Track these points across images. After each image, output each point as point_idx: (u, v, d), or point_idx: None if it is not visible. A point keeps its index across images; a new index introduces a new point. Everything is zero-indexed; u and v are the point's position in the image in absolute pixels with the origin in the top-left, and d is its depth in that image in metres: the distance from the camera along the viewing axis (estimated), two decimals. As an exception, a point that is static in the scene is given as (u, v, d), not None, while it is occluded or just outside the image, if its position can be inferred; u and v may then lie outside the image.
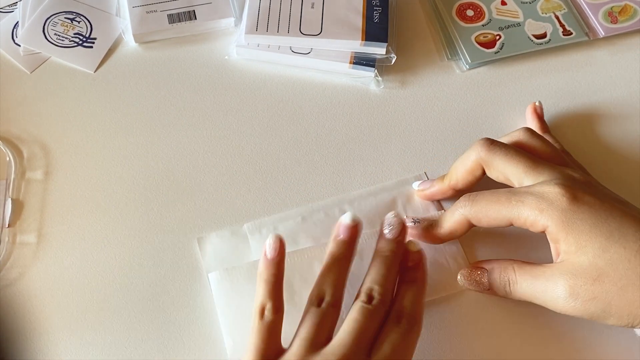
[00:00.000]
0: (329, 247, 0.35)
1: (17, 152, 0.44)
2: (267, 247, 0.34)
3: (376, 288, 0.33)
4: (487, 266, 0.36)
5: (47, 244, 0.41)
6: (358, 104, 0.47)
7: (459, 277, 0.38)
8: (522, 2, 0.52)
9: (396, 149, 0.45)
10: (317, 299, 0.33)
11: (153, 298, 0.39)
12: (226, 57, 0.49)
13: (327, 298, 0.33)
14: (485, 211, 0.34)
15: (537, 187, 0.33)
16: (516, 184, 0.35)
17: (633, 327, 0.32)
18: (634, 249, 0.30)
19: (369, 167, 0.44)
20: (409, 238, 0.37)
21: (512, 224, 0.34)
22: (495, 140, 0.36)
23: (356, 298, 0.33)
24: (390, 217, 0.36)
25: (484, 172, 0.37)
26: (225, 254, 0.40)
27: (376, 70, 0.47)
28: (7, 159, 0.43)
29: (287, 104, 0.47)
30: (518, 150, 0.36)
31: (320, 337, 0.31)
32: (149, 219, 0.42)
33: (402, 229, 0.36)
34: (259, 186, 0.43)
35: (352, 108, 0.47)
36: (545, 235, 0.33)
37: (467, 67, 0.49)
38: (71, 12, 0.51)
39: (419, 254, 0.36)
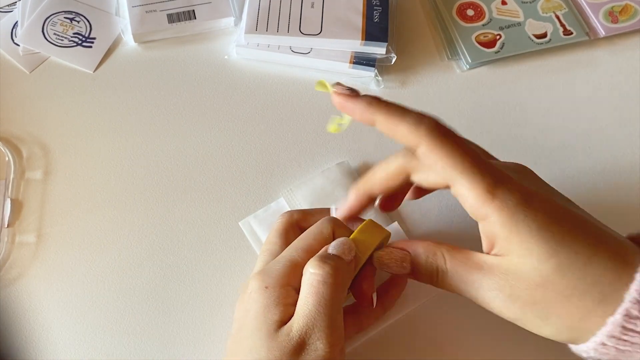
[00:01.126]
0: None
1: (17, 152, 0.44)
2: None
3: None
4: (410, 248, 0.31)
5: (46, 244, 0.41)
6: (358, 104, 0.47)
7: (375, 259, 0.32)
8: (522, 2, 0.52)
9: (397, 148, 0.45)
10: None
11: (153, 298, 0.39)
12: (226, 57, 0.49)
13: None
14: (438, 155, 0.30)
15: (497, 168, 0.29)
16: (451, 180, 0.30)
17: (569, 342, 0.29)
18: (585, 256, 0.27)
19: (369, 167, 0.44)
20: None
21: (442, 187, 0.30)
22: (442, 126, 0.32)
23: None
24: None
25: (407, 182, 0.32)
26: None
27: (376, 70, 0.47)
28: (7, 159, 0.43)
29: (287, 103, 0.47)
30: (463, 145, 0.30)
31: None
32: (149, 219, 0.42)
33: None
34: (259, 186, 0.43)
35: (352, 108, 0.47)
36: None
37: (468, 66, 0.49)
38: (70, 12, 0.51)
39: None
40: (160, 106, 0.47)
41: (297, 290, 0.31)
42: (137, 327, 0.38)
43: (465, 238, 0.41)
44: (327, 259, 0.30)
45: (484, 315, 0.38)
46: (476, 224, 0.30)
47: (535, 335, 0.37)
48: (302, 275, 0.31)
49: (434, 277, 0.31)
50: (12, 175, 0.43)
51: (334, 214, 0.35)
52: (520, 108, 0.47)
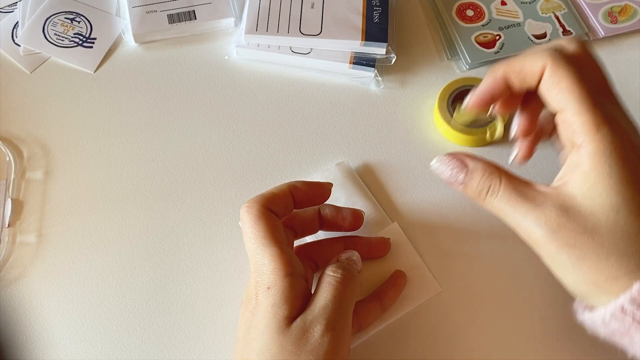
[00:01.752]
0: None
1: (17, 152, 0.44)
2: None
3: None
4: (471, 163, 0.31)
5: (47, 244, 0.41)
6: (358, 104, 0.47)
7: (434, 161, 0.32)
8: (522, 2, 0.52)
9: (396, 148, 0.45)
10: None
11: (153, 298, 0.39)
12: (226, 57, 0.49)
13: None
14: (562, 76, 0.29)
15: (609, 107, 0.29)
16: (567, 116, 0.29)
17: (584, 299, 0.29)
18: (638, 224, 0.27)
19: (368, 168, 0.44)
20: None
21: (558, 113, 0.30)
22: (562, 53, 0.30)
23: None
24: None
25: (536, 86, 0.31)
26: None
27: (376, 70, 0.47)
28: (7, 159, 0.43)
29: (287, 104, 0.47)
30: (589, 81, 0.30)
31: None
32: (149, 219, 0.42)
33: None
34: (259, 186, 0.43)
35: (352, 108, 0.47)
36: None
37: (467, 67, 0.49)
38: (71, 12, 0.51)
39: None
40: (160, 106, 0.47)
41: (300, 276, 0.31)
42: (137, 327, 0.38)
43: (468, 237, 0.41)
44: (342, 265, 0.33)
45: (484, 315, 0.38)
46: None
47: (536, 334, 0.37)
48: (298, 260, 0.32)
49: (482, 194, 0.30)
50: (12, 175, 0.43)
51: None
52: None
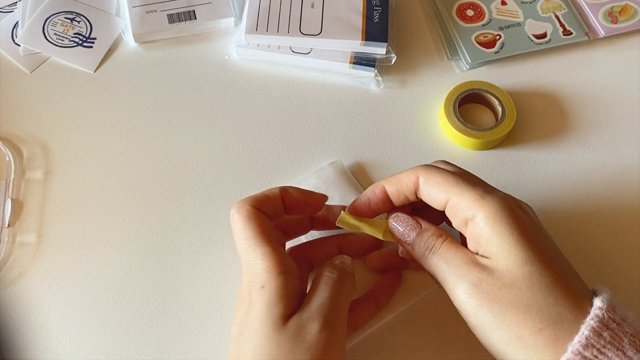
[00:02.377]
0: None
1: (17, 152, 0.44)
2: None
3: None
4: (424, 224, 0.34)
5: (47, 244, 0.41)
6: (358, 104, 0.47)
7: (391, 218, 0.35)
8: (522, 2, 0.52)
9: (396, 148, 0.45)
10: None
11: (153, 298, 0.39)
12: (226, 57, 0.49)
13: None
14: (439, 177, 0.32)
15: (482, 194, 0.31)
16: (454, 201, 0.32)
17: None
18: (554, 276, 0.29)
19: (368, 167, 0.44)
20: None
21: (445, 206, 0.32)
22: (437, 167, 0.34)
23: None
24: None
25: (414, 194, 0.34)
26: None
27: (376, 70, 0.47)
28: (7, 159, 0.43)
29: (287, 104, 0.47)
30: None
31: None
32: (149, 219, 0.42)
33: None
34: (259, 186, 0.43)
35: (352, 108, 0.47)
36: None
37: (467, 67, 0.49)
38: (71, 12, 0.51)
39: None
40: (160, 106, 0.47)
41: (294, 275, 0.31)
42: (137, 327, 0.38)
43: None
44: (338, 266, 0.33)
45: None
46: None
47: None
48: (291, 259, 0.32)
49: (426, 253, 0.33)
50: (12, 176, 0.43)
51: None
52: (519, 108, 0.47)
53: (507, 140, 0.45)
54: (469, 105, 0.47)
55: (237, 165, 0.44)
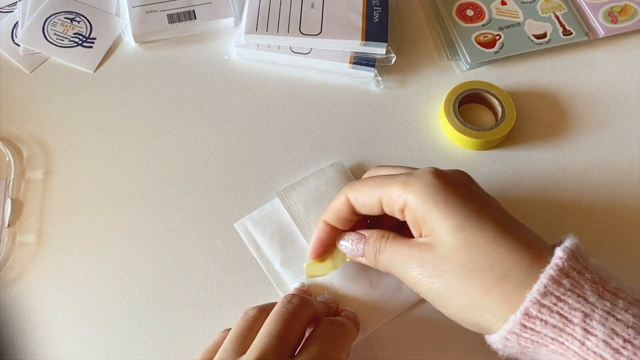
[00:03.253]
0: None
1: (17, 152, 0.44)
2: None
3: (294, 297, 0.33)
4: (367, 232, 0.35)
5: (47, 244, 0.41)
6: (358, 104, 0.47)
7: (340, 241, 0.36)
8: (522, 2, 0.52)
9: (396, 148, 0.45)
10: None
11: (153, 298, 0.39)
12: (226, 57, 0.49)
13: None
14: (363, 186, 0.34)
15: (410, 170, 0.33)
16: (385, 198, 0.33)
17: (478, 330, 0.30)
18: (490, 235, 0.29)
19: (369, 167, 0.44)
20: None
21: (382, 207, 0.33)
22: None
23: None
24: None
25: (352, 212, 0.35)
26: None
27: (376, 70, 0.47)
28: (7, 159, 0.43)
29: (286, 104, 0.47)
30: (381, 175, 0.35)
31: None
32: (149, 219, 0.42)
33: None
34: (259, 186, 0.43)
35: (352, 108, 0.47)
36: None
37: (467, 67, 0.49)
38: (71, 12, 0.51)
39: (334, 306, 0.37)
40: (160, 106, 0.47)
41: None
42: (137, 327, 0.38)
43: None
44: (335, 320, 0.33)
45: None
46: None
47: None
48: None
49: (376, 256, 0.34)
50: (12, 175, 0.43)
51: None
52: (519, 108, 0.47)
53: (507, 140, 0.45)
54: (469, 105, 0.47)
55: (237, 165, 0.44)
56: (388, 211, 0.33)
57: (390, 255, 0.33)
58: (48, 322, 0.38)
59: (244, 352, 0.30)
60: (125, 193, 0.43)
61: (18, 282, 0.39)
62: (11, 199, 0.42)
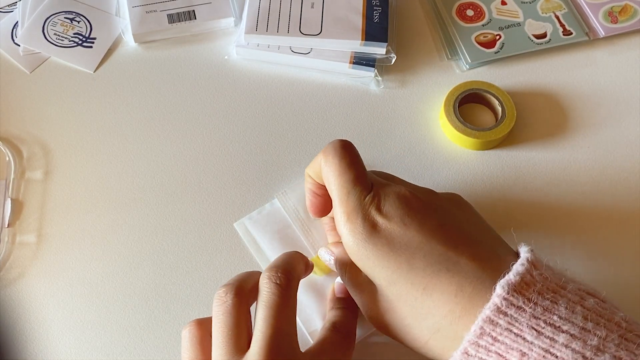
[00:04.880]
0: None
1: (17, 152, 0.44)
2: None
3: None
4: (335, 251, 0.36)
5: (47, 244, 0.41)
6: (358, 104, 0.47)
7: (319, 251, 0.37)
8: (522, 2, 0.52)
9: (396, 148, 0.45)
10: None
11: (153, 298, 0.39)
12: (226, 57, 0.49)
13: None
14: (328, 170, 0.32)
15: (351, 202, 0.31)
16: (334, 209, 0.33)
17: (439, 338, 0.30)
18: (421, 286, 0.29)
19: (368, 167, 0.44)
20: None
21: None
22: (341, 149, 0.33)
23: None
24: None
25: None
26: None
27: (376, 70, 0.47)
28: (7, 159, 0.43)
29: (287, 104, 0.47)
30: (354, 169, 0.32)
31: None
32: (149, 219, 0.42)
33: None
34: (259, 186, 0.43)
35: (352, 108, 0.47)
36: None
37: (467, 67, 0.49)
38: (71, 12, 0.51)
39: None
40: (160, 106, 0.47)
41: None
42: (137, 327, 0.38)
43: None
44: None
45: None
46: None
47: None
48: None
49: (342, 276, 0.34)
50: (12, 175, 0.43)
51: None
52: (519, 108, 0.47)
53: (507, 140, 0.45)
54: (469, 105, 0.47)
55: (237, 165, 0.44)
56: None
57: (350, 287, 0.33)
58: (48, 322, 0.38)
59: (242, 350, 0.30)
60: (125, 193, 0.43)
61: (18, 282, 0.39)
62: (11, 199, 0.42)
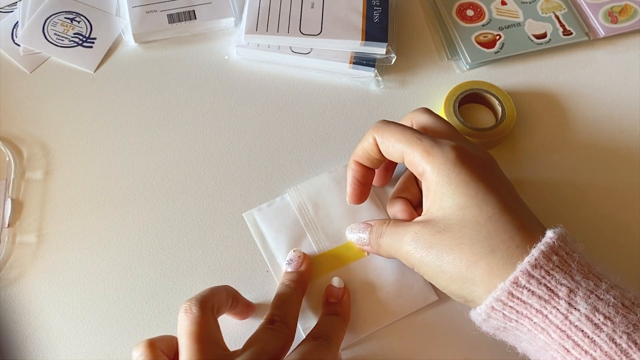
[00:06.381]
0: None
1: (17, 152, 0.44)
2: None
3: (276, 312, 0.34)
4: (372, 222, 0.38)
5: (47, 244, 0.41)
6: (358, 104, 0.47)
7: (347, 232, 0.39)
8: (522, 2, 0.52)
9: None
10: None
11: (154, 298, 0.39)
12: (226, 57, 0.49)
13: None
14: (390, 134, 0.35)
15: (438, 139, 0.34)
16: (408, 158, 0.35)
17: (466, 302, 0.32)
18: (487, 214, 0.31)
19: (369, 167, 0.44)
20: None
21: (402, 160, 0.35)
22: (391, 121, 0.36)
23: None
24: (290, 253, 0.39)
25: (380, 153, 0.36)
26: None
27: (376, 70, 0.47)
28: (7, 159, 0.43)
29: (287, 104, 0.47)
30: (412, 128, 0.35)
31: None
32: (149, 219, 0.42)
33: (302, 261, 0.38)
34: (259, 186, 0.43)
35: (352, 108, 0.47)
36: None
37: (467, 67, 0.49)
38: (71, 12, 0.51)
39: (341, 290, 0.37)
40: (160, 106, 0.47)
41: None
42: (137, 327, 0.38)
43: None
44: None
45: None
46: None
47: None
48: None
49: (378, 241, 0.36)
50: (12, 175, 0.43)
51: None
52: (519, 108, 0.47)
53: (507, 140, 0.45)
54: (469, 105, 0.47)
55: (237, 165, 0.44)
56: (409, 167, 0.35)
57: (388, 236, 0.35)
58: (48, 322, 0.38)
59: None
60: (125, 193, 0.43)
61: (18, 282, 0.39)
62: (11, 199, 0.42)
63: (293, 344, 0.33)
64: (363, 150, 0.37)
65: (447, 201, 0.32)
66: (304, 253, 0.39)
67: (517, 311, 0.30)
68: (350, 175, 0.38)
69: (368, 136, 0.36)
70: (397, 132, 0.34)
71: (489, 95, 0.46)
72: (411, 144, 0.33)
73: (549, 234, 0.31)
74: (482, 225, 0.31)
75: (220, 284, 0.35)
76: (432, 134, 0.36)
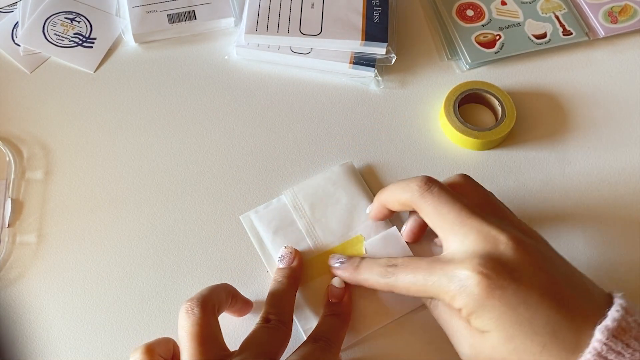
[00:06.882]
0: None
1: (17, 152, 0.44)
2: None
3: (271, 310, 0.34)
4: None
5: (47, 244, 0.41)
6: (358, 104, 0.47)
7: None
8: (522, 2, 0.52)
9: (396, 148, 0.45)
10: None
11: (153, 297, 0.39)
12: (226, 57, 0.49)
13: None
14: (404, 278, 0.33)
15: (455, 269, 0.30)
16: (441, 238, 0.33)
17: None
18: (540, 343, 0.28)
19: (369, 167, 0.44)
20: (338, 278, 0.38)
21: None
22: (432, 183, 0.34)
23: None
24: (281, 249, 0.39)
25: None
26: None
27: (376, 70, 0.47)
28: (7, 159, 0.43)
29: (287, 104, 0.47)
30: (451, 199, 0.33)
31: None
32: (149, 218, 0.42)
33: (294, 257, 0.38)
34: (259, 186, 0.43)
35: (352, 108, 0.47)
36: None
37: (467, 67, 0.49)
38: (71, 12, 0.51)
39: (342, 290, 0.37)
40: (160, 106, 0.47)
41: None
42: (137, 327, 0.38)
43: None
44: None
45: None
46: None
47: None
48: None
49: (429, 304, 0.34)
50: (12, 175, 0.43)
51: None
52: (520, 109, 0.47)
53: (507, 140, 0.45)
54: (469, 105, 0.47)
55: (237, 165, 0.44)
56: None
57: (442, 317, 0.33)
58: (48, 322, 0.38)
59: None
60: (125, 193, 0.43)
61: (18, 282, 0.39)
62: (11, 199, 0.42)
63: (293, 344, 0.33)
64: (397, 196, 0.35)
65: (491, 334, 0.30)
66: (295, 249, 0.39)
67: None
68: (412, 217, 0.38)
69: (407, 191, 0.34)
70: (432, 211, 0.33)
71: (489, 95, 0.46)
72: (434, 290, 0.31)
73: (597, 335, 0.27)
74: (540, 356, 0.28)
75: (219, 282, 0.35)
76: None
